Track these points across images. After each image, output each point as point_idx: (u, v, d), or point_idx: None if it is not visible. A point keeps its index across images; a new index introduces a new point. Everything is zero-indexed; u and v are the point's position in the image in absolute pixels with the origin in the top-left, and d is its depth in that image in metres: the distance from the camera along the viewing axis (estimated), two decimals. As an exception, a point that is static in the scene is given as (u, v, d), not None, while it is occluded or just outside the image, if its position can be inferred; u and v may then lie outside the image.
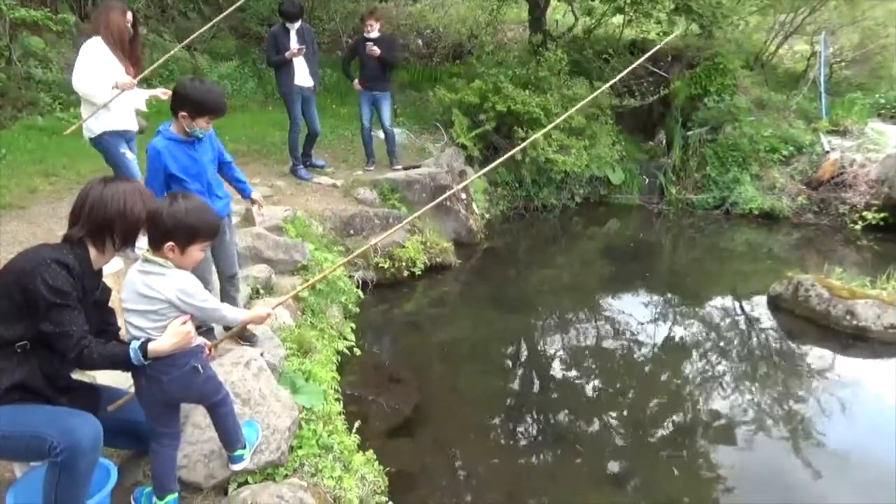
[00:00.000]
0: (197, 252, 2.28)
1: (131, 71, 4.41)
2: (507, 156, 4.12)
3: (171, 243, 2.21)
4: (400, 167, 7.90)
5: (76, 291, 2.13)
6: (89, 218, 2.22)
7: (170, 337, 2.23)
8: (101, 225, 2.22)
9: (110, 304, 2.50)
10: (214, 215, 2.37)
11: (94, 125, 4.39)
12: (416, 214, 3.66)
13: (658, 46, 5.25)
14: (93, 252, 2.25)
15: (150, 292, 2.21)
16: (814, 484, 3.85)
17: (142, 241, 2.29)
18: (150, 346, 2.20)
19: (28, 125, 7.63)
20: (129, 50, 4.43)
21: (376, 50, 7.29)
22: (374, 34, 7.38)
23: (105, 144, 4.47)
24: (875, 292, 5.81)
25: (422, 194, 7.57)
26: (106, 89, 4.27)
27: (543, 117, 9.12)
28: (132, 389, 2.50)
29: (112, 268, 4.11)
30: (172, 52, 5.66)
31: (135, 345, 2.20)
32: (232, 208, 3.62)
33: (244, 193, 3.73)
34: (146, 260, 2.25)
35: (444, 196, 4.02)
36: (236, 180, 3.63)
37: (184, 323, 2.26)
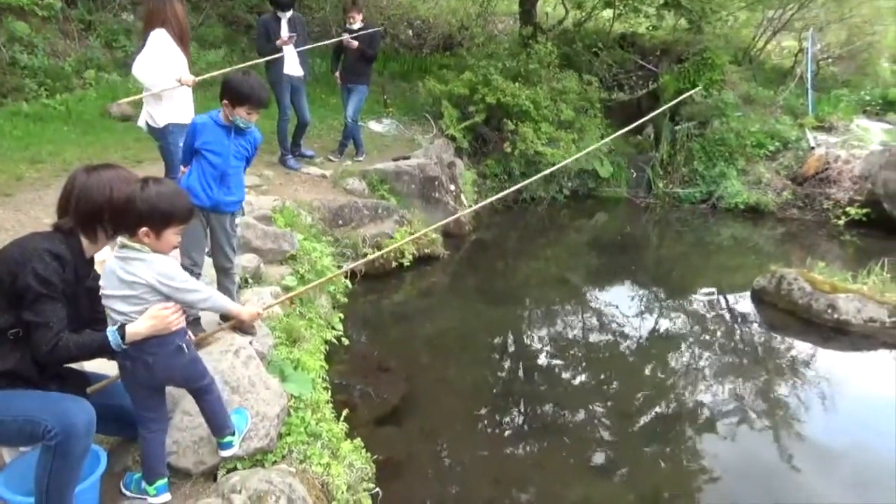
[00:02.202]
0: (172, 236, 2.27)
1: (188, 53, 4.57)
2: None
3: (145, 228, 2.20)
4: (339, 159, 7.89)
5: (63, 284, 2.13)
6: (77, 209, 2.21)
7: (147, 319, 2.23)
8: (90, 215, 2.21)
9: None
10: (187, 200, 2.35)
11: (159, 116, 4.54)
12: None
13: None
14: (84, 241, 2.25)
15: (130, 277, 2.21)
16: (795, 474, 3.92)
17: None
18: (128, 328, 2.20)
19: (13, 111, 7.55)
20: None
21: (354, 43, 7.28)
22: (357, 26, 7.37)
23: (169, 136, 4.60)
24: (856, 287, 5.90)
25: (411, 185, 7.59)
26: (164, 80, 4.43)
27: (533, 110, 9.16)
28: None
29: (102, 255, 4.12)
30: (246, 65, 5.54)
31: (112, 328, 2.20)
32: (243, 209, 3.66)
33: None
34: (123, 246, 2.24)
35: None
36: None
37: (164, 308, 2.27)
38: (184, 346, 2.37)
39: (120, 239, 2.26)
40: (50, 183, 5.71)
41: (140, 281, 2.22)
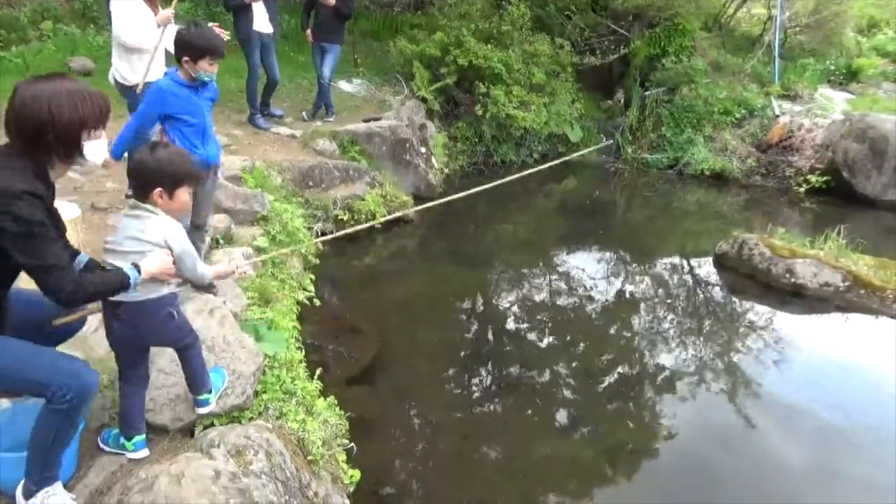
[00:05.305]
0: (184, 195, 2.34)
1: (157, 10, 4.38)
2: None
3: (158, 189, 2.27)
4: (311, 120, 7.83)
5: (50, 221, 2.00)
6: (20, 130, 1.96)
7: (156, 260, 2.23)
8: (32, 137, 1.96)
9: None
10: (194, 160, 2.45)
11: (130, 75, 4.37)
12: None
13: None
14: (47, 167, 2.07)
15: (142, 235, 2.25)
16: (752, 431, 4.12)
17: (91, 147, 2.08)
18: (142, 265, 2.19)
19: (-34, 64, 7.26)
20: None
21: (331, 0, 7.15)
22: None
23: (140, 95, 4.36)
24: (813, 252, 6.11)
25: (382, 147, 7.55)
26: (151, 34, 4.27)
27: (504, 72, 9.13)
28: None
29: (70, 214, 4.05)
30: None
31: (130, 266, 2.17)
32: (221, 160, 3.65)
33: None
34: (135, 206, 2.30)
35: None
36: None
37: (167, 255, 2.29)
38: (174, 311, 2.41)
39: (132, 200, 2.31)
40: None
41: (150, 239, 2.26)
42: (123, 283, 2.15)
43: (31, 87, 1.97)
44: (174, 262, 2.31)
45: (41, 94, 1.95)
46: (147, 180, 2.26)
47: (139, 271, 2.18)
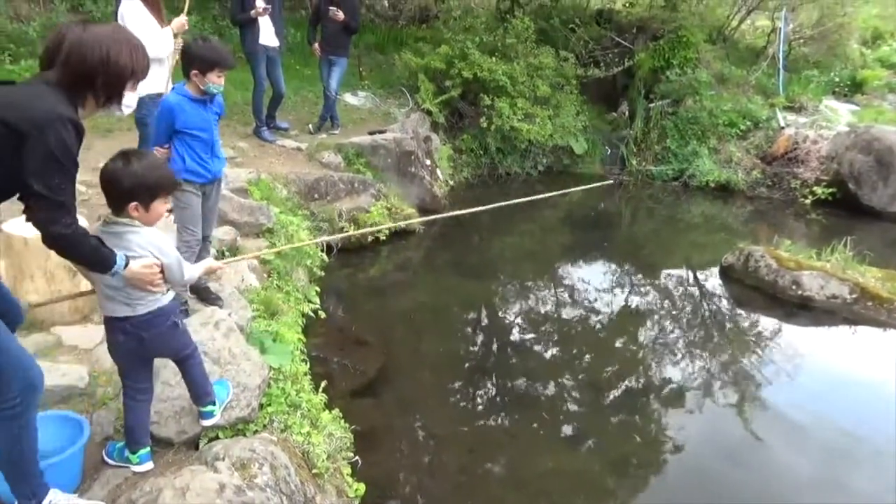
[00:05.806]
0: (161, 206, 2.28)
1: (161, 19, 4.44)
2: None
3: (134, 203, 2.20)
4: (317, 133, 7.86)
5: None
6: (67, 66, 1.90)
7: (141, 266, 2.20)
8: (81, 75, 1.92)
9: None
10: (169, 169, 2.40)
11: (139, 87, 4.37)
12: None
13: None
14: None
15: (128, 252, 2.20)
16: (759, 445, 4.08)
17: (129, 99, 2.09)
18: (131, 264, 2.16)
19: (-23, 78, 7.32)
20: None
21: (340, 15, 7.20)
22: None
23: (143, 108, 4.48)
24: (820, 264, 6.08)
25: (387, 159, 7.58)
26: (164, 43, 4.33)
27: (509, 85, 9.17)
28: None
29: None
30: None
31: (123, 256, 2.15)
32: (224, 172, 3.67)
33: None
34: (113, 222, 2.23)
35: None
36: None
37: (156, 265, 2.26)
38: (178, 321, 2.41)
39: (106, 215, 2.25)
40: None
41: (135, 254, 2.20)
42: (107, 264, 2.10)
43: (89, 29, 1.95)
44: (162, 272, 2.27)
45: (101, 37, 1.95)
46: (122, 194, 2.18)
47: (126, 266, 2.14)
